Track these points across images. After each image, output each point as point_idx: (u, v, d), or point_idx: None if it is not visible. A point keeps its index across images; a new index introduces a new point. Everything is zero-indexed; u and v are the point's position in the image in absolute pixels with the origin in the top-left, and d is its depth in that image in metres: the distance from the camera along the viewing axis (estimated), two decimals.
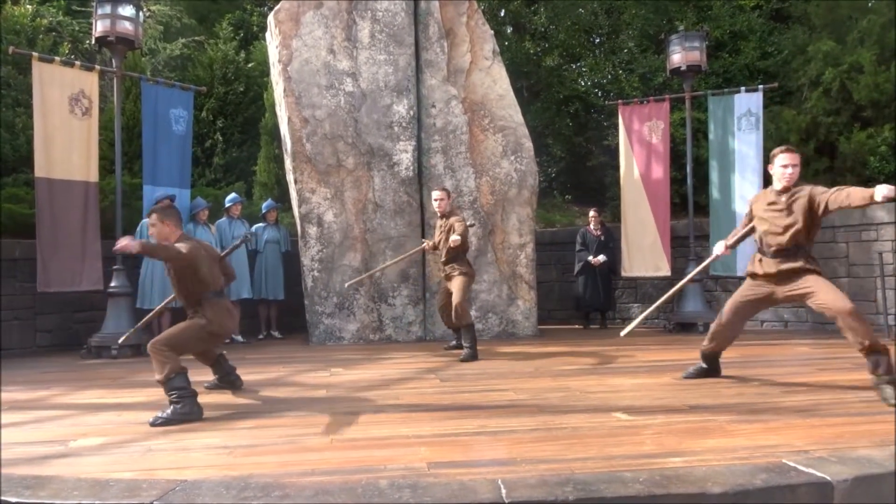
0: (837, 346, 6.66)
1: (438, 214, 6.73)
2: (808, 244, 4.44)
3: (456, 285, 6.41)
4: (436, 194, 6.71)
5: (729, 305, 4.74)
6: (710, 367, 4.99)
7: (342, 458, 3.07)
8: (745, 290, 4.67)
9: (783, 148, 4.51)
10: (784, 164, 4.41)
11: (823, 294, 4.28)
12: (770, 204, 4.51)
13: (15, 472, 2.82)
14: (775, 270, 4.44)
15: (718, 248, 4.83)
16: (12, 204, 7.96)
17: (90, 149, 7.35)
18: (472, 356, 6.14)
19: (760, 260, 4.55)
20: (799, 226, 4.34)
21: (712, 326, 4.85)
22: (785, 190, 4.45)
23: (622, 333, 5.19)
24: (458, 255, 6.52)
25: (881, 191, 3.85)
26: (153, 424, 3.79)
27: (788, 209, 4.39)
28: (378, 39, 8.18)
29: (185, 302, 4.38)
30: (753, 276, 4.60)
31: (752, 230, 4.70)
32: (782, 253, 4.41)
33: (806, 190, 4.37)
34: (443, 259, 6.60)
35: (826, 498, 2.50)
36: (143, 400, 4.60)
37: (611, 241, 9.21)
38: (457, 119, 8.25)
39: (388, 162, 8.06)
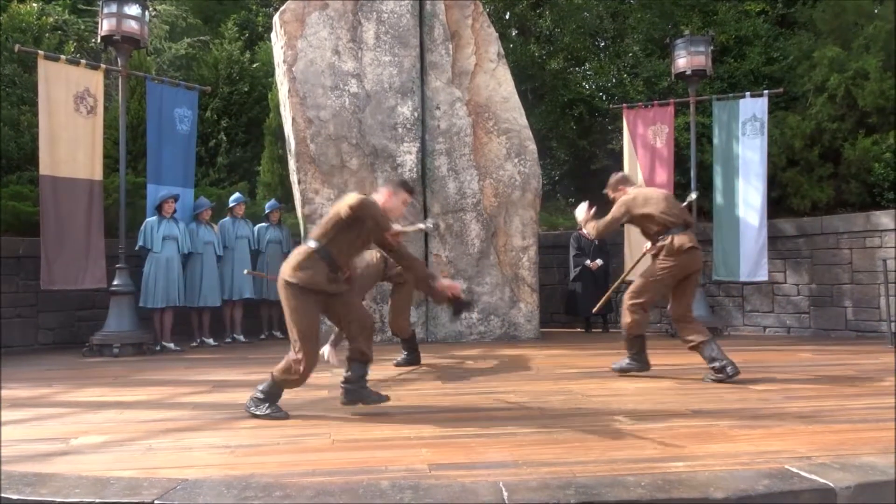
0: (840, 352, 6.65)
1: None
2: None
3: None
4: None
5: (662, 286, 5.16)
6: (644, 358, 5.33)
7: (343, 458, 3.06)
8: (672, 268, 5.05)
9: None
10: None
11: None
12: (655, 197, 5.28)
13: (16, 469, 2.82)
14: (691, 245, 4.99)
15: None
16: (17, 202, 7.98)
17: (95, 147, 7.36)
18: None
19: (672, 239, 5.01)
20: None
21: (637, 314, 5.19)
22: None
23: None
24: None
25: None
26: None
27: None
28: (383, 41, 8.19)
29: (347, 263, 4.20)
30: (672, 253, 5.02)
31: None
32: (687, 229, 5.11)
33: None
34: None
35: None
36: (144, 398, 4.60)
37: (606, 245, 9.12)
38: (461, 121, 8.25)
39: (392, 163, 8.06)
